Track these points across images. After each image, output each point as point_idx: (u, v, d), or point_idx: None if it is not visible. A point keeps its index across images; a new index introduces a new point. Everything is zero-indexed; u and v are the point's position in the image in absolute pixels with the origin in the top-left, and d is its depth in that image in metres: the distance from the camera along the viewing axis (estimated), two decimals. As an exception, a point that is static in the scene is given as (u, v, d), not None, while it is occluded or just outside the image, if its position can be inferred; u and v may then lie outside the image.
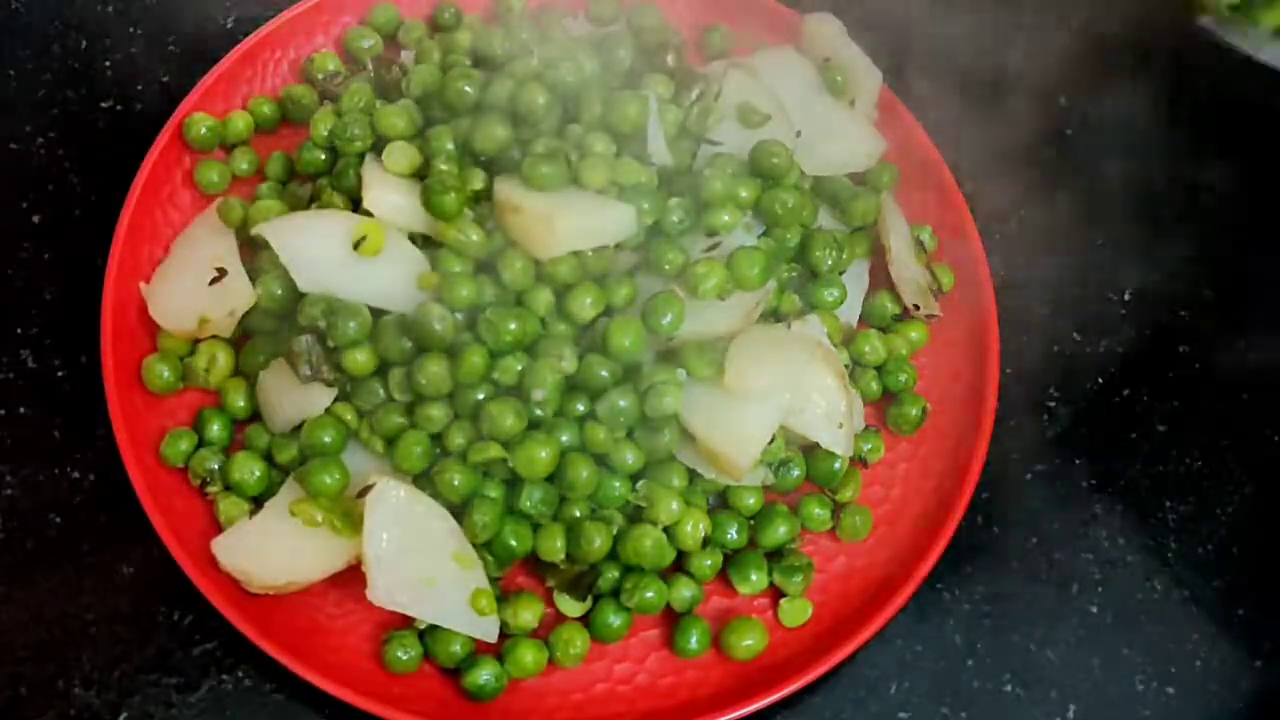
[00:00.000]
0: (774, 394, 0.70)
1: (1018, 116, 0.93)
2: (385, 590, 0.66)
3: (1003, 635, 0.77)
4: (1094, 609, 0.78)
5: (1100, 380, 0.85)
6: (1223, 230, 0.90)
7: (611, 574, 0.72)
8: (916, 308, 0.79)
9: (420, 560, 0.68)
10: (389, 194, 0.73)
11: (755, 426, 0.70)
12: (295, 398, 0.72)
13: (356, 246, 0.71)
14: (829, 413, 0.73)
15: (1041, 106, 0.93)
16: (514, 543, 0.70)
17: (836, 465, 0.75)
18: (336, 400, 0.72)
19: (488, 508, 0.69)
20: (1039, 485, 0.81)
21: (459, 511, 0.70)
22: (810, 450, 0.75)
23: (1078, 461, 0.82)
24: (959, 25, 0.95)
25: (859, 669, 0.75)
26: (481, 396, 0.70)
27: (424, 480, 0.71)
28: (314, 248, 0.71)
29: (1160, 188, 0.91)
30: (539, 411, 0.70)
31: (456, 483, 0.69)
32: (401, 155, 0.74)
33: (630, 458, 0.71)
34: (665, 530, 0.72)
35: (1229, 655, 0.77)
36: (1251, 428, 0.84)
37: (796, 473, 0.75)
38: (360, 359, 0.70)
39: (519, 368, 0.70)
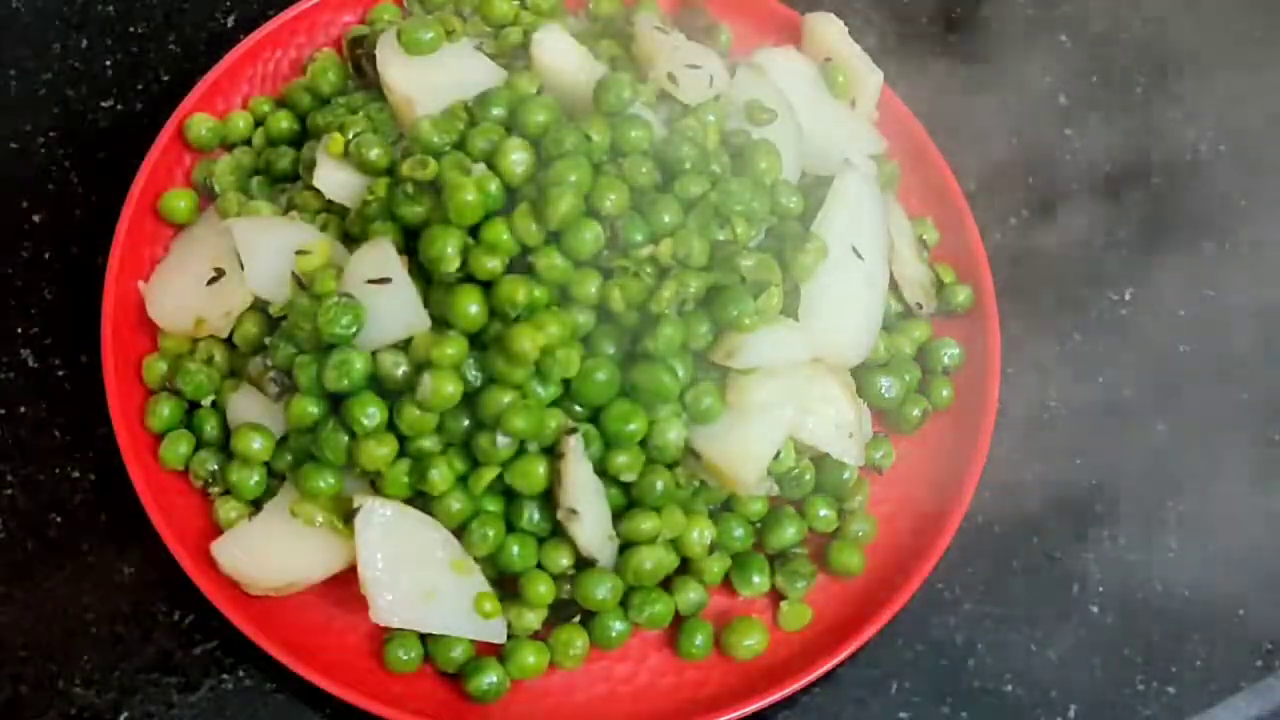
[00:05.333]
0: (776, 408, 0.70)
1: (1018, 115, 0.93)
2: (388, 610, 0.67)
3: (1003, 635, 0.77)
4: (1094, 609, 0.78)
5: (1100, 379, 0.85)
6: (1223, 229, 0.91)
7: (616, 585, 0.71)
8: (919, 306, 0.79)
9: (418, 574, 0.68)
10: (337, 173, 0.74)
11: (759, 442, 0.70)
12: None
13: (299, 254, 0.71)
14: (838, 422, 0.73)
15: (1041, 105, 0.94)
16: (518, 557, 0.70)
17: (846, 475, 0.75)
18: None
19: (489, 521, 0.69)
20: (1039, 485, 0.81)
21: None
22: (820, 459, 0.75)
23: (1077, 461, 0.82)
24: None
25: (859, 669, 0.75)
26: (467, 423, 0.69)
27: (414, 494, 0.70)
28: (270, 252, 0.71)
29: (1161, 187, 0.92)
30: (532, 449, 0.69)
31: (455, 508, 0.69)
32: (339, 145, 0.74)
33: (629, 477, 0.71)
34: (670, 540, 0.71)
35: (1229, 655, 0.77)
36: (1251, 428, 0.84)
37: (806, 479, 0.74)
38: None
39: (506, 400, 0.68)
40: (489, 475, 0.69)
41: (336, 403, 0.69)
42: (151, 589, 0.74)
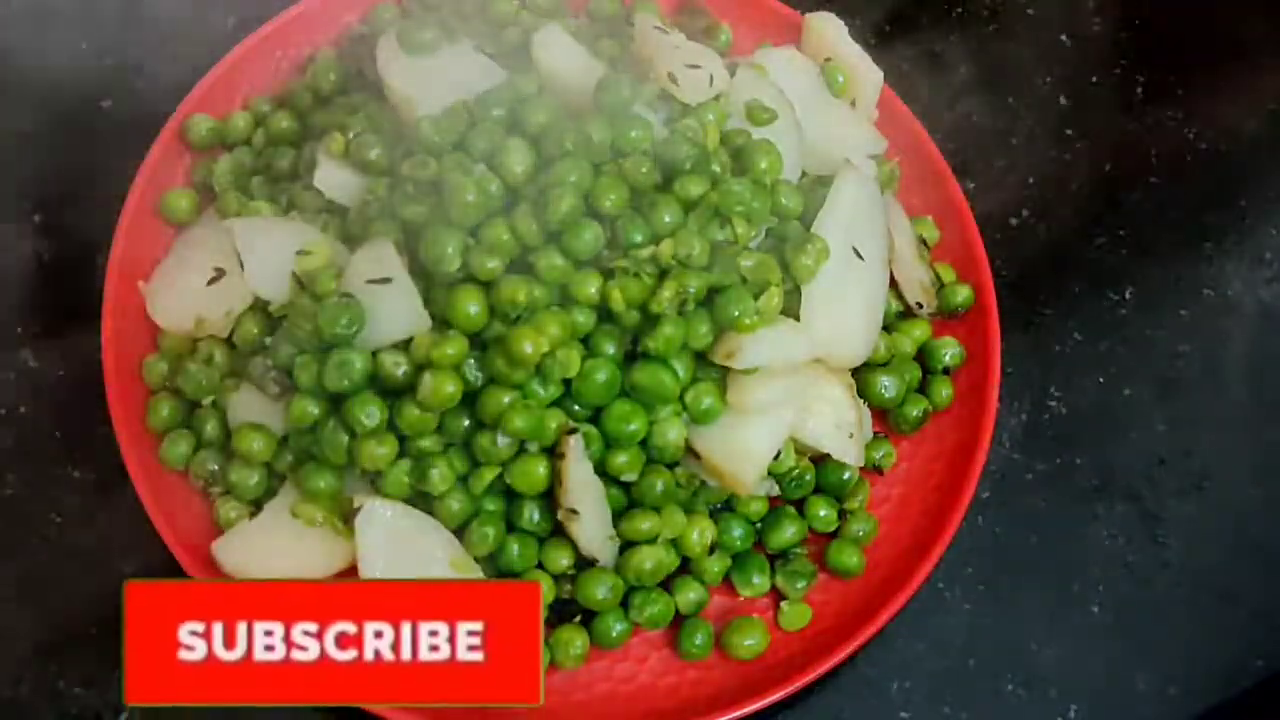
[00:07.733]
0: (777, 409, 0.70)
1: (1018, 115, 0.93)
2: None
3: (1003, 635, 0.77)
4: (1094, 609, 0.78)
5: (1100, 380, 0.85)
6: (1223, 229, 0.91)
7: (616, 585, 0.71)
8: (920, 305, 0.80)
9: (418, 574, 0.67)
10: (337, 173, 0.74)
11: (759, 443, 0.70)
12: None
13: (299, 254, 0.71)
14: (838, 423, 0.73)
15: (1041, 105, 0.94)
16: (518, 557, 0.70)
17: (846, 475, 0.75)
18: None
19: (489, 521, 0.69)
20: (1039, 485, 0.81)
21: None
22: (820, 459, 0.75)
23: (1078, 461, 0.82)
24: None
25: (859, 669, 0.75)
26: (467, 423, 0.69)
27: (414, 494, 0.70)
28: (270, 252, 0.71)
29: (1161, 187, 0.92)
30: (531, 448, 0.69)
31: (455, 508, 0.69)
32: (339, 145, 0.74)
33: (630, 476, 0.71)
34: (670, 540, 0.72)
35: (1229, 655, 0.77)
36: (1251, 427, 0.84)
37: (806, 479, 0.75)
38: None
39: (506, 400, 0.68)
40: (489, 475, 0.69)
41: (336, 403, 0.69)
42: (151, 589, 0.74)
